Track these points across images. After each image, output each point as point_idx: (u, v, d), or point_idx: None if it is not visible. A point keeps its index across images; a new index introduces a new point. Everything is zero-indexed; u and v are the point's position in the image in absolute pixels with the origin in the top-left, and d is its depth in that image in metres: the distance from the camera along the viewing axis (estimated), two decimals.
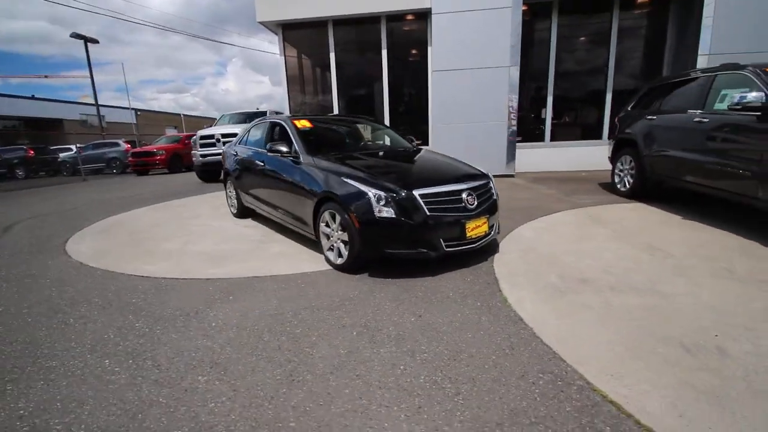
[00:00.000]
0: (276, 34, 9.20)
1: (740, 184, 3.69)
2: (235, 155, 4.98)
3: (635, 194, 5.41)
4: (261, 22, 8.75)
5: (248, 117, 11.35)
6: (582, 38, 8.65)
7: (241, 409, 1.60)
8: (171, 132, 31.48)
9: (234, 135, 9.13)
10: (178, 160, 14.29)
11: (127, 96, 43.58)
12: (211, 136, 9.30)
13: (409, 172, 3.28)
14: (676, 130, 4.57)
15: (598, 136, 8.73)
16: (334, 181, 3.14)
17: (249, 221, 5.06)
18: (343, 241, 3.09)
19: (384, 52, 8.82)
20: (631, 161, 5.53)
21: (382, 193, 2.85)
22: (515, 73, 7.77)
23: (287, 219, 3.91)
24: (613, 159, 6.03)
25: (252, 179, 4.56)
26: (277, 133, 4.39)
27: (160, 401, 1.67)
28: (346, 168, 3.25)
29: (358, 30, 9.03)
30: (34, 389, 1.79)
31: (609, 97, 8.50)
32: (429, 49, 8.67)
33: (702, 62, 7.16)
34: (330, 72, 9.09)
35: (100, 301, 2.78)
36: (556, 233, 4.03)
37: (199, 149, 9.38)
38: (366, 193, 2.88)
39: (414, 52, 8.97)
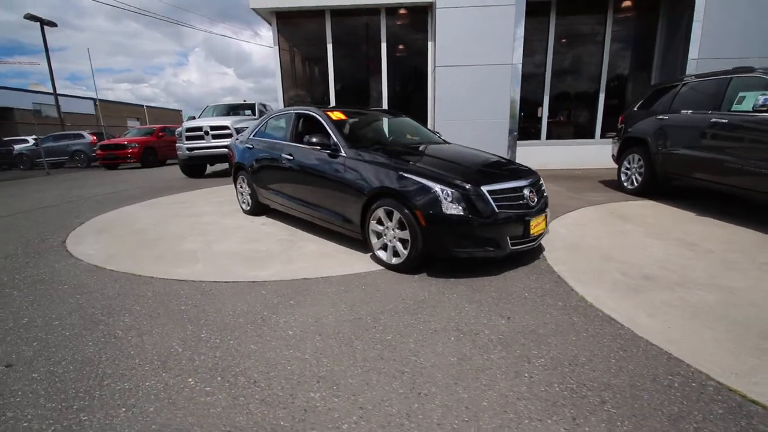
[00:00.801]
0: (269, 22, 8.79)
1: (759, 182, 3.85)
2: (251, 148, 4.66)
3: (644, 192, 5.58)
4: (254, 9, 8.31)
5: (232, 109, 10.83)
6: (577, 39, 8.85)
7: (381, 430, 1.43)
8: (133, 124, 29.64)
9: (224, 128, 8.66)
10: (151, 154, 13.44)
11: (94, 85, 40.72)
12: (198, 128, 8.74)
13: (466, 167, 3.15)
14: (692, 129, 4.72)
15: (591, 135, 8.99)
16: (391, 176, 2.96)
17: (265, 219, 4.76)
18: (401, 240, 2.93)
19: (383, 46, 8.64)
20: (639, 159, 5.69)
21: (451, 189, 2.72)
22: (518, 70, 7.84)
23: (321, 216, 3.69)
24: (619, 158, 6.18)
25: (274, 174, 4.27)
26: (302, 125, 4.14)
27: (282, 425, 1.46)
28: (400, 162, 3.09)
29: (356, 21, 8.79)
30: (118, 418, 1.53)
31: (602, 97, 8.77)
32: (429, 44, 8.60)
33: (692, 66, 7.52)
34: (327, 64, 8.79)
35: (143, 309, 2.46)
36: (589, 229, 4.06)
37: (185, 142, 8.79)
38: (433, 189, 2.73)
39: (414, 46, 8.84)
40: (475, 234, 2.73)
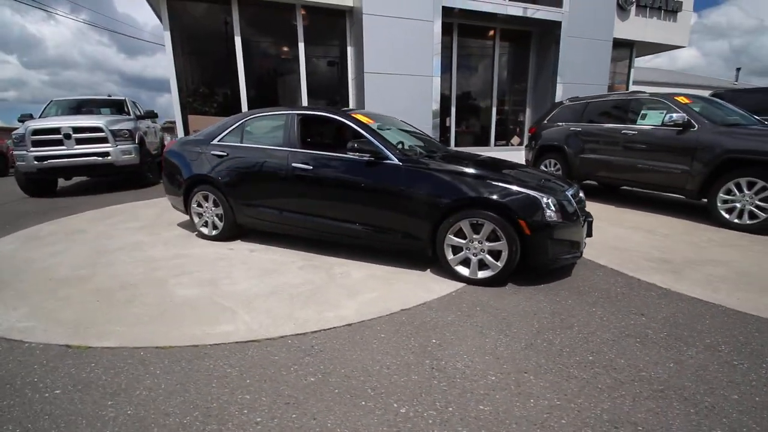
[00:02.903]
0: (155, 8, 7.11)
1: (670, 178, 5.07)
2: (223, 156, 3.66)
3: None
4: None
5: (84, 105, 8.35)
6: (474, 59, 9.99)
7: None
8: None
9: (95, 129, 6.59)
10: None
11: None
12: (54, 130, 6.38)
13: (531, 174, 3.17)
14: (605, 138, 5.88)
15: (487, 143, 10.28)
16: (479, 185, 2.75)
17: (244, 243, 3.81)
18: (491, 252, 2.76)
19: (301, 45, 8.02)
20: (555, 164, 6.78)
21: (547, 196, 2.70)
22: (438, 83, 8.36)
23: (362, 233, 3.15)
24: (535, 163, 7.22)
25: (274, 188, 3.45)
26: (309, 130, 3.48)
27: None
28: (482, 170, 2.91)
29: (269, 15, 7.90)
30: None
31: (494, 110, 10.13)
32: (349, 48, 8.39)
33: (560, 89, 9.38)
34: (236, 59, 7.63)
35: (255, 396, 1.64)
36: None
37: (32, 149, 6.30)
38: (533, 197, 2.67)
39: (333, 50, 8.47)
40: (571, 238, 2.79)
